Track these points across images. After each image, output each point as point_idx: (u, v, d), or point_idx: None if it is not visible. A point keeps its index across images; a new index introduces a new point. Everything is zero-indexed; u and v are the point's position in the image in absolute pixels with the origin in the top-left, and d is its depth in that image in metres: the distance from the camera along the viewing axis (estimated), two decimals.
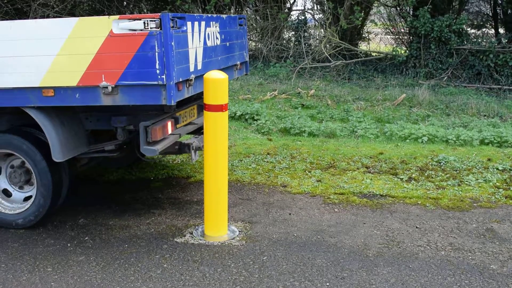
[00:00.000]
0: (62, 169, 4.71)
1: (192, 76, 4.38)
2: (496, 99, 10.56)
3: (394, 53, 13.83)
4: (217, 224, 4.52)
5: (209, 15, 5.03)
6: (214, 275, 3.89)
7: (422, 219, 4.86)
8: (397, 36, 15.35)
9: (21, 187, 4.89)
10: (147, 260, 4.15)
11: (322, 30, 14.74)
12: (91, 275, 3.94)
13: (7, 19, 12.10)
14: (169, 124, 4.66)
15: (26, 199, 4.85)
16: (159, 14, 3.90)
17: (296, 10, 16.29)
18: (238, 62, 5.87)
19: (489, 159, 6.52)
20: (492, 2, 14.89)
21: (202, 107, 5.09)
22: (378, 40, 16.75)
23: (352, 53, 14.10)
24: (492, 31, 14.73)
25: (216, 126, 4.32)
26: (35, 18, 12.47)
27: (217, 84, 4.25)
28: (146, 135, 4.37)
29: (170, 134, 4.71)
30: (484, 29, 14.89)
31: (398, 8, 14.74)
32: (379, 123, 8.67)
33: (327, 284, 3.74)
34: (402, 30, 15.14)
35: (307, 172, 6.26)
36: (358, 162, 6.58)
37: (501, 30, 14.44)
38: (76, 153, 4.64)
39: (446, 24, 12.30)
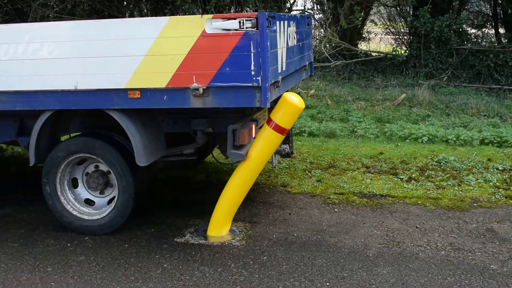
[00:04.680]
0: (142, 172, 4.50)
1: (280, 78, 4.24)
2: (496, 99, 10.55)
3: (394, 53, 13.83)
4: (221, 225, 4.52)
5: (288, 14, 4.89)
6: (214, 275, 3.89)
7: (422, 219, 4.86)
8: (397, 36, 15.35)
9: (101, 192, 4.68)
10: (147, 260, 4.15)
11: (322, 30, 14.73)
12: (91, 275, 3.94)
13: (7, 19, 12.11)
14: (253, 126, 4.47)
15: (109, 202, 4.67)
16: (256, 13, 3.74)
17: (296, 10, 16.28)
18: (307, 63, 5.71)
19: (489, 159, 6.52)
20: (492, 2, 14.88)
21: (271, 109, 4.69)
22: (378, 40, 16.75)
23: (352, 53, 14.09)
24: (492, 31, 14.72)
25: (269, 143, 4.27)
26: (35, 18, 12.44)
27: (293, 110, 4.17)
28: (234, 138, 4.17)
29: (253, 137, 4.48)
30: (484, 29, 14.87)
31: (398, 8, 14.73)
32: (379, 123, 8.67)
33: (327, 284, 3.74)
34: (402, 30, 15.14)
35: (307, 172, 6.26)
36: (358, 162, 6.58)
37: (501, 30, 14.43)
38: (158, 157, 4.45)
39: (446, 24, 12.29)
